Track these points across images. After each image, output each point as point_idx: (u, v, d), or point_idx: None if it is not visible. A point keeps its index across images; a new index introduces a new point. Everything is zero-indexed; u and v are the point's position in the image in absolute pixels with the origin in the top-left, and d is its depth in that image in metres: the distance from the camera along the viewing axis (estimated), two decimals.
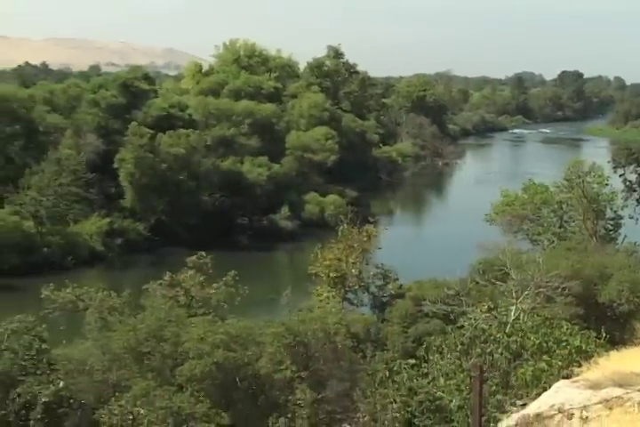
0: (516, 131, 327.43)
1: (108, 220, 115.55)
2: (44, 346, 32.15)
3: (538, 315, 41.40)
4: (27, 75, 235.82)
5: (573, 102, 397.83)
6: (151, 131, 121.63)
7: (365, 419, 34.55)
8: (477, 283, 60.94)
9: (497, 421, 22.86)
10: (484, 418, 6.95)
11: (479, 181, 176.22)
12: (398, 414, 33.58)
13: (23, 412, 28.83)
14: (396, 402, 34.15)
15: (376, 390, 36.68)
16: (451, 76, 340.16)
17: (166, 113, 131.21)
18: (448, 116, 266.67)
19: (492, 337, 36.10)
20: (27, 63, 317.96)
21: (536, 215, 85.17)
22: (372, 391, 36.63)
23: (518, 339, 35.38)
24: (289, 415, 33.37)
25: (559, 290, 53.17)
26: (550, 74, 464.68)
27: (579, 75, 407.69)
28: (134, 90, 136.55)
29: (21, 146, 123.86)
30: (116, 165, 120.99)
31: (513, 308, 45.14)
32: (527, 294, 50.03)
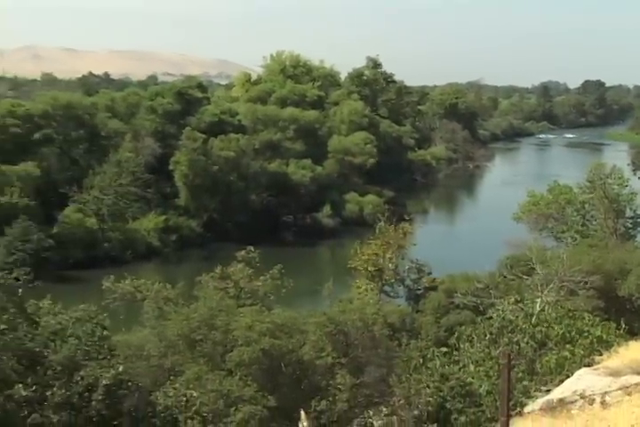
0: (541, 136, 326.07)
1: (163, 217, 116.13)
2: (105, 333, 32.26)
3: (561, 307, 41.18)
4: (90, 84, 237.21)
5: (595, 109, 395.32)
6: (204, 135, 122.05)
7: (400, 402, 34.42)
8: (505, 277, 60.80)
9: (523, 405, 22.73)
10: (511, 402, 6.93)
11: (507, 182, 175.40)
12: (431, 399, 33.49)
13: (86, 394, 28.91)
14: (429, 387, 34.05)
15: (410, 375, 36.59)
16: (481, 85, 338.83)
17: (218, 119, 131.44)
18: (478, 122, 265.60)
19: (518, 327, 35.98)
20: (90, 73, 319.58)
21: (560, 214, 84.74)
22: (407, 377, 36.53)
23: (543, 329, 35.26)
24: (330, 398, 33.34)
25: (581, 284, 52.96)
26: (574, 83, 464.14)
27: (600, 84, 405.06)
28: (188, 98, 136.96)
29: (85, 149, 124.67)
30: (171, 167, 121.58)
31: (538, 300, 44.94)
32: (551, 288, 49.87)
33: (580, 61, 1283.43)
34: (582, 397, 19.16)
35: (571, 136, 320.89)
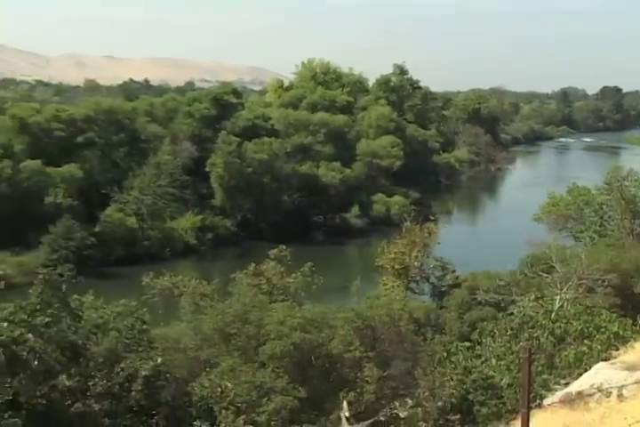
0: (561, 140, 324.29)
1: (200, 217, 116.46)
2: (144, 327, 32.36)
3: (580, 304, 41.07)
4: (131, 90, 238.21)
5: (613, 114, 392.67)
6: (238, 139, 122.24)
7: (425, 394, 34.41)
8: (526, 275, 60.60)
9: (543, 398, 22.68)
10: (531, 395, 6.95)
11: (528, 184, 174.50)
12: (454, 391, 33.46)
13: (126, 384, 29.03)
14: (452, 380, 34.03)
15: (435, 369, 36.61)
16: (503, 91, 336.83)
17: (252, 123, 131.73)
18: (500, 126, 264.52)
19: (538, 323, 35.91)
20: (131, 80, 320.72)
21: (579, 215, 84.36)
22: (432, 370, 36.54)
23: (562, 325, 35.17)
24: (358, 390, 33.36)
25: (599, 282, 52.75)
26: (592, 89, 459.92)
27: (618, 89, 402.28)
28: (224, 103, 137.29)
29: (126, 152, 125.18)
30: (207, 169, 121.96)
31: (557, 297, 44.76)
32: (570, 285, 49.65)
33: (599, 68, 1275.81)
34: (600, 390, 19.11)
35: (589, 140, 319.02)
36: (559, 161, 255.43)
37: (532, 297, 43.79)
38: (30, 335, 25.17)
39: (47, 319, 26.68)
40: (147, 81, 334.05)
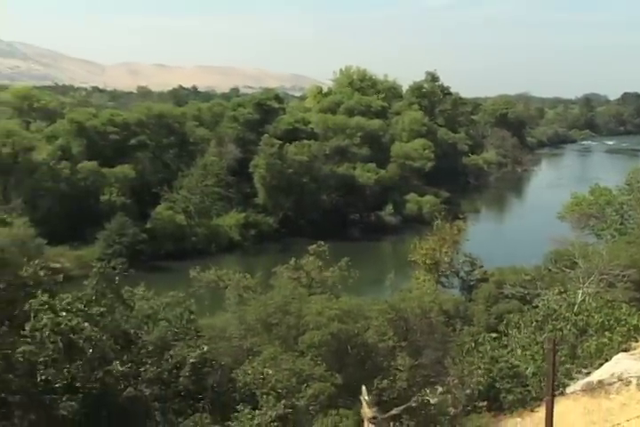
0: (584, 142, 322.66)
1: (244, 214, 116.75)
2: (192, 317, 32.48)
3: (601, 298, 40.73)
4: (180, 96, 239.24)
5: (634, 119, 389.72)
6: (280, 141, 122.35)
7: (454, 382, 34.37)
8: (550, 270, 60.29)
9: (565, 386, 22.59)
10: (555, 383, 6.93)
11: (552, 184, 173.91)
12: (482, 379, 33.41)
13: (175, 370, 29.19)
14: (480, 368, 33.97)
15: (464, 358, 36.55)
16: (529, 97, 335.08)
17: (292, 127, 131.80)
18: (526, 129, 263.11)
19: (561, 316, 35.72)
20: (180, 86, 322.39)
21: (600, 214, 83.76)
22: (461, 359, 36.50)
23: (584, 318, 34.97)
24: (391, 378, 33.31)
25: (619, 277, 52.37)
26: (614, 94, 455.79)
27: (638, 95, 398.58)
28: (266, 108, 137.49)
29: (175, 154, 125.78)
30: (250, 170, 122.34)
31: (580, 291, 44.43)
32: (592, 280, 49.33)
33: (620, 75, 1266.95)
34: (619, 379, 19.02)
35: (611, 143, 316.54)
36: (582, 163, 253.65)
37: (556, 291, 43.46)
38: (86, 324, 25.36)
39: (102, 309, 26.89)
40: (195, 88, 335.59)
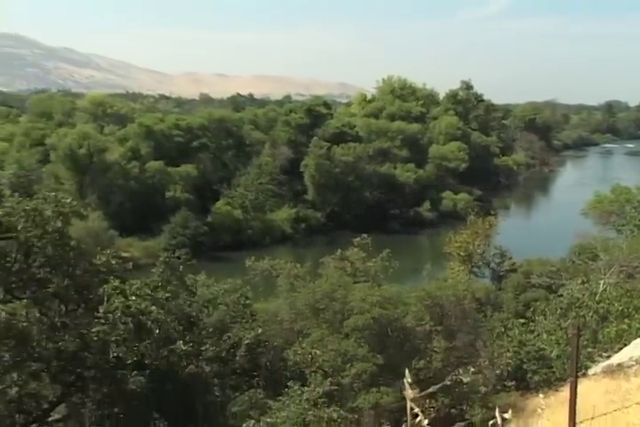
0: (605, 145, 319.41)
1: (295, 210, 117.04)
2: (247, 302, 32.63)
3: (621, 288, 40.33)
4: (238, 102, 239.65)
5: None
6: (328, 144, 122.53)
7: (485, 363, 34.27)
8: (574, 262, 59.90)
9: (587, 368, 22.39)
10: (578, 366, 6.91)
11: (576, 184, 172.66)
12: (511, 361, 33.33)
13: (232, 350, 29.35)
14: (509, 351, 33.87)
15: (494, 341, 36.43)
16: (555, 104, 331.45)
17: (339, 130, 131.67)
18: (553, 133, 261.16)
19: (584, 304, 35.50)
20: (238, 94, 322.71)
21: (621, 211, 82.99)
22: (491, 343, 36.39)
23: (605, 306, 34.71)
24: (427, 359, 33.27)
25: (638, 268, 51.80)
26: (634, 101, 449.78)
27: None
28: (316, 113, 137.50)
29: (233, 154, 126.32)
30: (301, 169, 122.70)
31: (601, 282, 44.08)
32: (612, 271, 48.84)
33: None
34: (638, 362, 18.82)
35: (631, 146, 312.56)
36: (604, 164, 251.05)
37: (579, 281, 43.17)
38: (154, 307, 25.56)
39: (167, 294, 27.08)
40: (251, 95, 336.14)
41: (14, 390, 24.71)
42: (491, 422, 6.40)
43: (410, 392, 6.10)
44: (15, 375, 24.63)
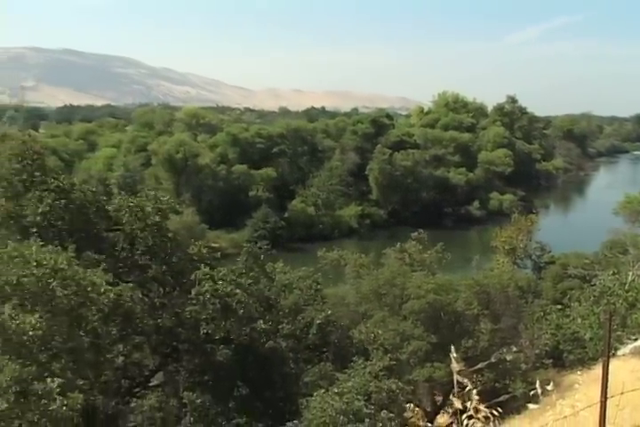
0: (635, 153, 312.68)
1: (360, 207, 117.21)
2: (318, 287, 32.70)
3: None
4: (312, 114, 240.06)
5: None
6: (390, 150, 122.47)
7: (526, 344, 34.02)
8: (606, 255, 59.12)
9: (617, 349, 22.05)
10: (610, 346, 6.84)
11: (609, 186, 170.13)
12: (548, 342, 33.09)
13: (305, 329, 29.47)
14: (547, 333, 33.64)
15: (534, 324, 36.10)
16: (590, 116, 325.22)
17: (400, 139, 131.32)
18: (588, 142, 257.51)
19: (614, 293, 34.98)
20: (312, 107, 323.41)
21: None
22: (531, 325, 36.07)
23: (633, 294, 34.18)
24: (475, 339, 33.05)
25: None
26: None
27: None
28: (379, 124, 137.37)
29: (307, 159, 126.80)
30: (366, 172, 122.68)
31: (630, 273, 43.29)
32: None
33: None
34: None
35: None
36: (633, 169, 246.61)
37: (611, 272, 42.44)
38: (238, 291, 25.80)
39: (250, 280, 27.31)
40: (323, 108, 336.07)
41: (120, 359, 25.27)
42: (532, 393, 6.39)
43: (455, 366, 6.11)
44: (121, 347, 25.18)
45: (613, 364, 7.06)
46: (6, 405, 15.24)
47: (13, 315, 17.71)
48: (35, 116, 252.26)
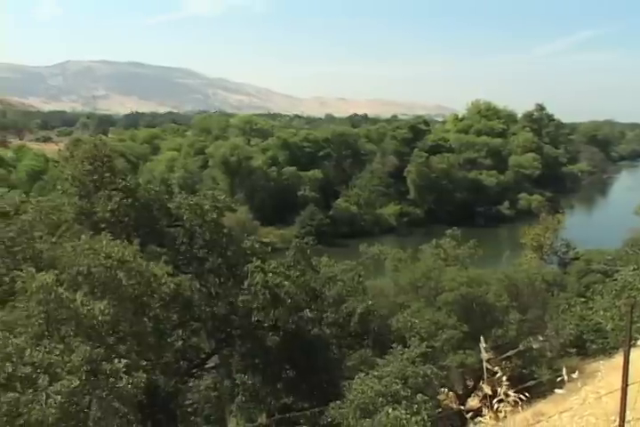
0: None
1: (399, 206, 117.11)
2: (360, 279, 32.67)
3: None
4: (355, 121, 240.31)
5: None
6: (426, 154, 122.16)
7: (552, 333, 33.63)
8: (627, 252, 58.13)
9: (636, 339, 21.70)
10: (631, 337, 6.81)
11: (630, 188, 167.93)
12: (572, 332, 32.74)
13: (347, 317, 29.50)
14: (571, 324, 33.33)
15: (559, 316, 35.77)
16: (613, 122, 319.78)
17: (436, 143, 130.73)
18: (611, 147, 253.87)
19: (635, 287, 34.37)
20: (355, 114, 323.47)
21: None
22: (557, 317, 35.74)
23: None
24: (504, 328, 32.80)
25: None
26: None
27: None
28: (417, 130, 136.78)
29: (350, 162, 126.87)
30: (405, 174, 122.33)
31: None
32: None
33: None
34: None
35: None
36: None
37: (631, 268, 41.65)
38: (286, 282, 25.92)
39: (297, 273, 27.41)
40: (365, 115, 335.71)
41: (180, 342, 25.56)
42: (559, 379, 6.35)
43: (485, 355, 6.11)
44: (180, 331, 25.50)
45: (634, 353, 6.99)
46: (78, 382, 15.54)
47: (84, 301, 18.02)
48: (104, 123, 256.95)
